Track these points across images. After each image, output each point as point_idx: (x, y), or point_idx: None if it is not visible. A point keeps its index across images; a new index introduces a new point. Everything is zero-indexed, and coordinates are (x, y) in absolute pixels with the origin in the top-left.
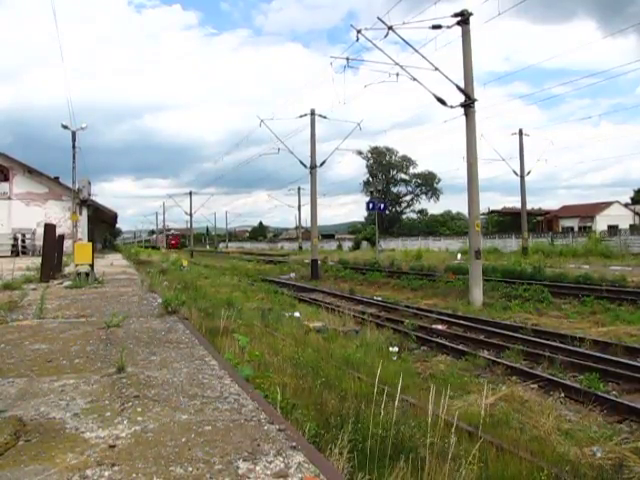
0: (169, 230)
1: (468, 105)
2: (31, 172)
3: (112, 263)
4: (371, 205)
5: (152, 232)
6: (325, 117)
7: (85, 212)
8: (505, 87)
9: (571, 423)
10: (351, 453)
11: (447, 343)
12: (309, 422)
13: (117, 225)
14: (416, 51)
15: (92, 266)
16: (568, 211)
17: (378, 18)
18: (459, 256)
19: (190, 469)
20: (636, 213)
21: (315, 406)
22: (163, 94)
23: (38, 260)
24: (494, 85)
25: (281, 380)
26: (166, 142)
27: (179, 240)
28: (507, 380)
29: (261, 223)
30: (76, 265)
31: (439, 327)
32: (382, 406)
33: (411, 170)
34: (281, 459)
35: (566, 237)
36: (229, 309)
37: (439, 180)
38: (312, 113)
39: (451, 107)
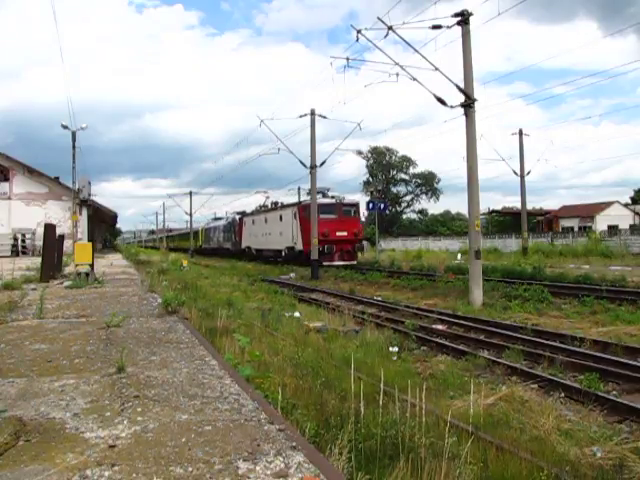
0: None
1: (468, 105)
2: (31, 172)
3: (112, 263)
4: (371, 205)
5: (152, 232)
6: (325, 117)
7: (85, 212)
8: (506, 87)
9: (571, 423)
10: (351, 453)
11: (447, 343)
12: (309, 422)
13: (117, 225)
14: (416, 51)
15: (92, 266)
16: (568, 211)
17: (378, 18)
18: (459, 256)
19: (190, 469)
20: (636, 213)
21: (315, 406)
22: (163, 94)
23: (38, 260)
24: (495, 85)
25: (281, 380)
26: (166, 142)
27: (360, 230)
28: (507, 380)
29: None
30: (76, 265)
31: (439, 327)
32: (381, 406)
33: (411, 170)
34: (281, 459)
35: (566, 237)
36: (229, 309)
37: (439, 180)
38: (312, 113)
39: (451, 107)
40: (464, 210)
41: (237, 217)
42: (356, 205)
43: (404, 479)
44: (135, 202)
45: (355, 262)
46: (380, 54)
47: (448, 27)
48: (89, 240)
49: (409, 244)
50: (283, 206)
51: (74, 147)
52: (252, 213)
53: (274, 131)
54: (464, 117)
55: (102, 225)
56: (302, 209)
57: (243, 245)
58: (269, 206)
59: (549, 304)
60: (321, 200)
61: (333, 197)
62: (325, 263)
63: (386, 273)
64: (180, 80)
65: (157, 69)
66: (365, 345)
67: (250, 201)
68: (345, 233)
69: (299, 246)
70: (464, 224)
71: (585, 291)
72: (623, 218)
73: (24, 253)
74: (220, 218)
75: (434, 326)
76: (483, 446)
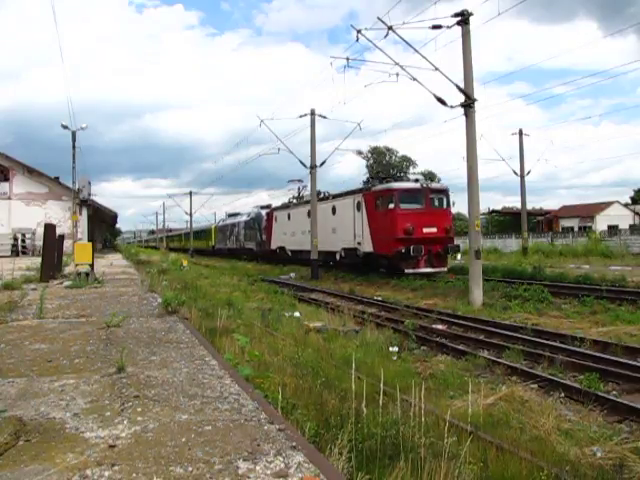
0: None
1: (468, 105)
2: (31, 172)
3: (112, 263)
4: None
5: (152, 232)
6: (325, 117)
7: (85, 212)
8: (506, 87)
9: (571, 423)
10: (351, 453)
11: (447, 343)
12: (309, 422)
13: (117, 225)
14: (416, 51)
15: (92, 266)
16: (568, 211)
17: (378, 18)
18: (459, 256)
19: (190, 469)
20: (636, 213)
21: (315, 406)
22: (163, 94)
23: (38, 260)
24: (495, 85)
25: (281, 380)
26: (166, 142)
27: (452, 226)
28: (507, 380)
29: None
30: (76, 265)
31: (439, 327)
32: (381, 406)
33: (411, 170)
34: (281, 459)
35: (566, 237)
36: (229, 309)
37: (439, 180)
38: (312, 113)
39: (451, 107)
40: (464, 210)
41: (263, 212)
42: (446, 191)
43: (404, 479)
44: (135, 202)
45: (446, 269)
46: (380, 54)
47: (448, 27)
48: (89, 240)
49: None
50: (337, 195)
51: (74, 147)
52: (287, 206)
53: (274, 131)
54: (464, 117)
55: (102, 225)
56: (371, 197)
57: (274, 245)
58: (303, 198)
59: (549, 304)
60: (402, 184)
61: (417, 180)
62: (408, 271)
63: (386, 273)
64: (180, 80)
65: (157, 69)
66: (365, 345)
67: (250, 201)
68: (434, 229)
69: (366, 247)
70: (464, 224)
71: (585, 291)
72: (623, 218)
73: (24, 253)
74: (238, 214)
75: (434, 326)
76: (483, 446)
